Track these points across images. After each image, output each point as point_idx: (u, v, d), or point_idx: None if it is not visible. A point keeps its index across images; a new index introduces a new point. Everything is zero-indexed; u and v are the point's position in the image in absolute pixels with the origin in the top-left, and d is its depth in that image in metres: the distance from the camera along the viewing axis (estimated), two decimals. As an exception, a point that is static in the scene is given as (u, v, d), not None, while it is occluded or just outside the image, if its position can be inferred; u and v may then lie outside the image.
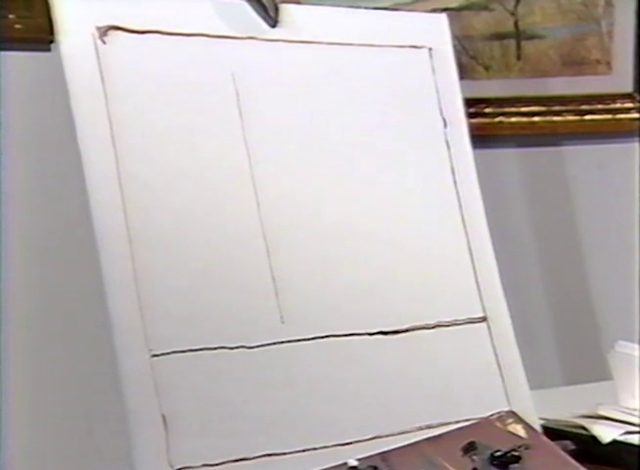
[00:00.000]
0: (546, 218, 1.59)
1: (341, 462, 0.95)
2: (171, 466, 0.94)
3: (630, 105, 1.61)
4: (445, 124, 1.15)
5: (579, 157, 1.60)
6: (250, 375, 0.99)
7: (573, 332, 1.59)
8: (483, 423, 1.02)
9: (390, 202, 1.10)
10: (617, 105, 1.61)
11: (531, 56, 1.58)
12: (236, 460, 0.96)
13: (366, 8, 1.19)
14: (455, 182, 1.13)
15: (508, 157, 1.57)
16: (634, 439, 1.05)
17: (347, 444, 1.00)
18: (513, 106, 1.56)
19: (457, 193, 1.13)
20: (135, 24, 1.03)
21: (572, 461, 0.98)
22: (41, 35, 1.09)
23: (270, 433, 0.98)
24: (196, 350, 0.97)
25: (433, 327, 1.07)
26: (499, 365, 1.09)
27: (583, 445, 1.06)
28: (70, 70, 0.99)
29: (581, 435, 1.08)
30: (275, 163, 1.05)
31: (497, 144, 1.53)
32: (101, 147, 0.98)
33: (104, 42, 1.01)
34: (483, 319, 1.10)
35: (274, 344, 1.00)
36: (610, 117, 1.61)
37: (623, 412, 1.11)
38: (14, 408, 1.18)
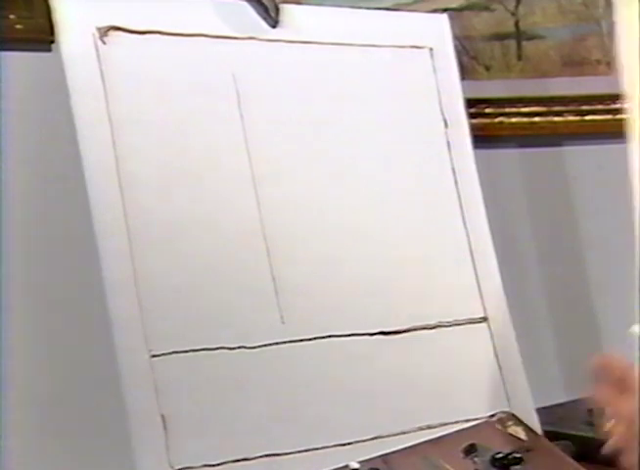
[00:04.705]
0: (546, 219, 1.59)
1: (342, 465, 0.96)
2: (171, 466, 0.94)
3: (631, 105, 1.61)
4: (446, 125, 1.15)
5: (580, 157, 1.60)
6: (250, 375, 0.99)
7: (574, 332, 1.59)
8: (484, 425, 1.02)
9: (391, 202, 1.10)
10: (618, 105, 1.61)
11: (532, 56, 1.57)
12: (236, 460, 0.96)
13: (367, 8, 1.19)
14: (456, 182, 1.13)
15: (509, 157, 1.56)
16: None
17: (348, 444, 1.00)
18: (514, 106, 1.56)
19: (458, 193, 1.13)
20: (135, 25, 1.03)
21: (573, 462, 0.98)
22: (42, 36, 1.09)
23: (270, 433, 0.98)
24: (196, 350, 0.97)
25: (433, 327, 1.07)
26: (499, 365, 1.09)
27: (583, 445, 1.06)
28: (71, 70, 0.99)
29: (581, 435, 1.08)
30: (275, 163, 1.05)
31: (498, 144, 1.53)
32: (101, 147, 0.98)
33: (104, 42, 1.01)
34: (484, 319, 1.10)
35: (274, 344, 1.00)
36: (610, 117, 1.60)
37: None
38: (13, 408, 1.18)
